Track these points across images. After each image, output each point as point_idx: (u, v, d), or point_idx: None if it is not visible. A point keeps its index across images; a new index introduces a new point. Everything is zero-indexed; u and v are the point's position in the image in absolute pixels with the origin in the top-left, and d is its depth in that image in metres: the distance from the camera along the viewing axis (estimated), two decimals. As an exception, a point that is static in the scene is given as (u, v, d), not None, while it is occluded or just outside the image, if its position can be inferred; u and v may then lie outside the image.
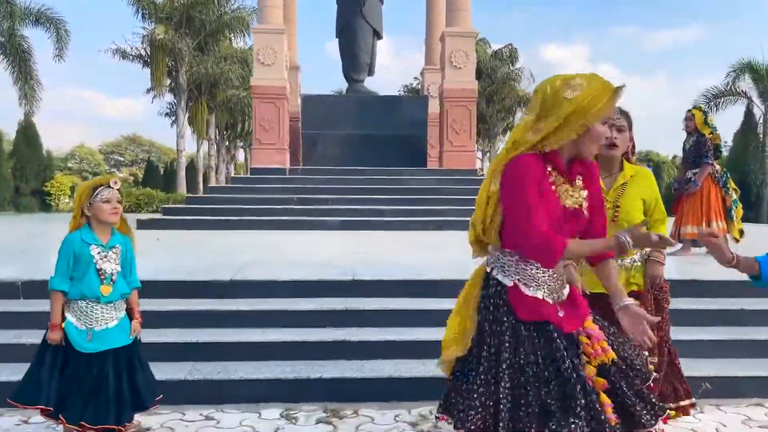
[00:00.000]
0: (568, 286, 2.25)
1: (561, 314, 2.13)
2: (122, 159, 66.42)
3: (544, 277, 2.13)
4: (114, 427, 2.91)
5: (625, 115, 2.97)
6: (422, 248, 7.49)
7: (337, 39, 14.73)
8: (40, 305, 3.84)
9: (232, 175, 38.70)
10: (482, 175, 24.51)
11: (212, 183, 33.72)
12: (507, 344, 2.06)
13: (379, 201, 10.89)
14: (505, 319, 2.10)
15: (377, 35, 14.57)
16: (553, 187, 2.11)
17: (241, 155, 48.21)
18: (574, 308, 2.19)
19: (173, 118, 34.49)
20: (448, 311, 2.36)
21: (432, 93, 15.70)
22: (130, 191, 24.27)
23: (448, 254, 6.16)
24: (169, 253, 6.87)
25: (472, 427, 2.03)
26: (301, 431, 3.40)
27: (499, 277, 2.16)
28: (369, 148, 12.96)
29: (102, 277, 2.97)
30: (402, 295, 4.86)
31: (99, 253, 2.98)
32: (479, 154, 40.37)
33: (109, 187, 3.00)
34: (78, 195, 3.08)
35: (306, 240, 8.33)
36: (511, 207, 2.09)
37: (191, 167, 36.42)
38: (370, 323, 4.47)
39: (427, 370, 3.90)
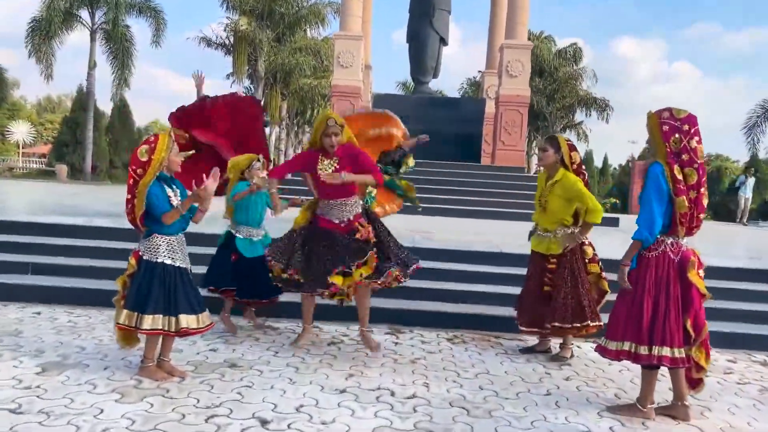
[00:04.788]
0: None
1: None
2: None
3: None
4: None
5: (549, 140, 4.78)
6: (467, 231, 9.24)
7: (407, 44, 16.50)
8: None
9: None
10: (538, 172, 25.77)
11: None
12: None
13: (436, 191, 12.63)
14: None
15: (443, 42, 16.25)
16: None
17: (307, 140, 50.43)
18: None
19: (249, 102, 36.82)
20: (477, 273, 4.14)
21: (490, 95, 17.31)
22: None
23: (480, 237, 7.90)
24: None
25: None
26: (375, 338, 5.25)
27: None
28: (431, 143, 14.59)
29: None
30: (446, 260, 6.69)
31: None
32: (537, 151, 41.31)
33: (258, 161, 5.32)
34: (238, 165, 5.33)
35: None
36: None
37: (262, 149, 38.76)
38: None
39: (459, 307, 5.74)
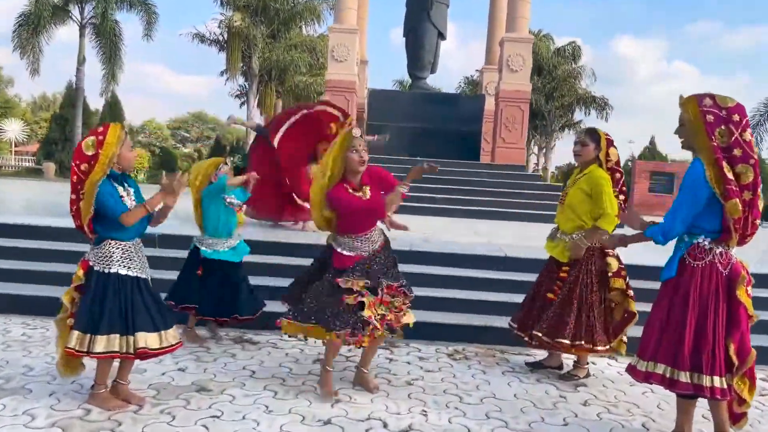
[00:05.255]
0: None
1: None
2: (188, 135, 68.79)
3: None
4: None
5: (590, 133, 4.23)
6: (467, 233, 8.69)
7: (404, 38, 15.94)
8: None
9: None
10: (536, 171, 25.25)
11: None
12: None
13: (434, 190, 12.09)
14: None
15: (441, 36, 15.70)
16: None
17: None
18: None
19: (242, 99, 36.30)
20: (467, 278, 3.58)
21: (490, 91, 16.76)
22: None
23: (481, 239, 7.34)
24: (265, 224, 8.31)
25: None
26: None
27: None
28: (428, 141, 14.15)
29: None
30: (440, 264, 6.13)
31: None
32: (535, 149, 40.85)
33: (225, 164, 4.89)
34: (204, 171, 4.86)
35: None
36: None
37: (256, 148, 38.15)
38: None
39: (460, 318, 5.17)
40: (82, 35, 24.84)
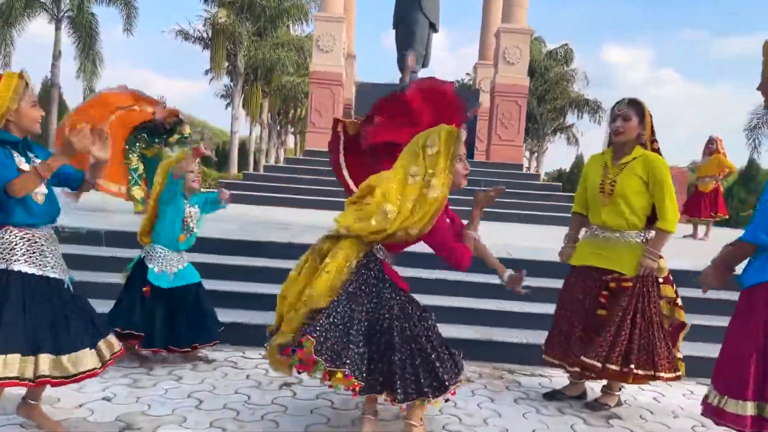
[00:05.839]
0: None
1: None
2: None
3: None
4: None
5: (633, 104, 3.32)
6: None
7: (394, 30, 15.07)
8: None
9: (283, 158, 39.48)
10: (529, 170, 24.49)
11: (262, 166, 34.55)
12: None
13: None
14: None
15: (433, 28, 14.83)
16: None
17: (291, 141, 49.01)
18: None
19: (228, 100, 35.44)
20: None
21: (484, 88, 15.94)
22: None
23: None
24: (233, 220, 7.40)
25: None
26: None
27: None
28: (418, 138, 13.30)
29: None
30: (441, 268, 5.25)
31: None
32: (527, 153, 40.21)
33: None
34: (164, 170, 3.88)
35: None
36: None
37: (242, 150, 37.31)
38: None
39: (461, 331, 4.30)
40: (57, 28, 23.76)
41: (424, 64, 15.16)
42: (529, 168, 39.36)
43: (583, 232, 3.64)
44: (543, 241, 7.33)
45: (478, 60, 17.34)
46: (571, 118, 37.08)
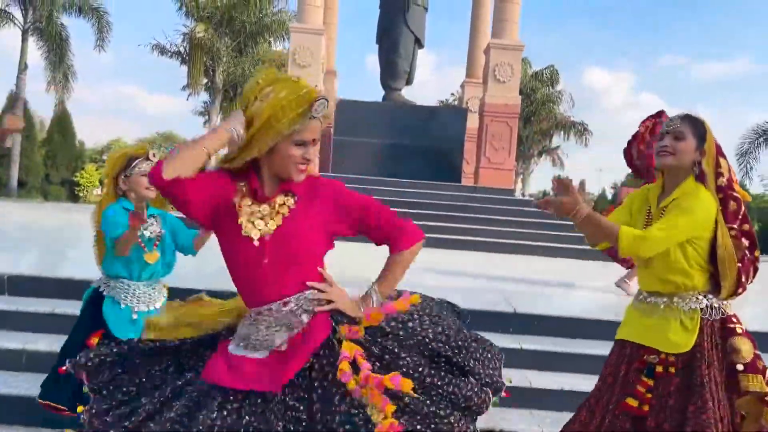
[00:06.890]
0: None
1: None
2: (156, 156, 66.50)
3: None
4: None
5: (690, 120, 2.39)
6: (441, 270, 6.83)
7: (377, 45, 14.20)
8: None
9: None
10: (522, 195, 23.68)
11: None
12: None
13: (407, 215, 10.24)
14: None
15: (419, 43, 13.99)
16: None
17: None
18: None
19: (206, 117, 34.50)
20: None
21: (472, 107, 15.09)
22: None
23: (471, 280, 5.49)
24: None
25: None
26: None
27: None
28: (401, 159, 12.41)
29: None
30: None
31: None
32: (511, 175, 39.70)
33: (148, 159, 2.65)
34: (111, 165, 2.72)
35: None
36: None
37: (220, 168, 36.21)
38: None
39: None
40: (24, 40, 22.70)
41: (408, 81, 14.31)
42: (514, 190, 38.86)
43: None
44: (553, 283, 6.34)
45: (466, 78, 16.51)
46: (557, 139, 36.70)
